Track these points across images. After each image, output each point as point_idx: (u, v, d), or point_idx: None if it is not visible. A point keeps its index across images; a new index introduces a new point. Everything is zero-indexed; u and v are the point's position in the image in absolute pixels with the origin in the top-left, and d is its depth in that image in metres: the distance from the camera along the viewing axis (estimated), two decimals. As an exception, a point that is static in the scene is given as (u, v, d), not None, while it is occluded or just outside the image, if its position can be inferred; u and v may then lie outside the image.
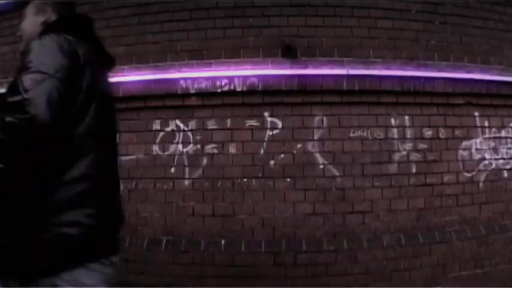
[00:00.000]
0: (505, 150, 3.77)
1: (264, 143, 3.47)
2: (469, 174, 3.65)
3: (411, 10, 3.67)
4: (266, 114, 3.48)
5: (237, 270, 3.35)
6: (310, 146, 3.47)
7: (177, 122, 3.56)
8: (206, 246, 3.41)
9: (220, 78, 3.44)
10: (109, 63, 1.59)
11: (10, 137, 1.11)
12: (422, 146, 3.56)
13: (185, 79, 3.48)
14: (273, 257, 3.35)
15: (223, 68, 3.51)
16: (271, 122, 3.48)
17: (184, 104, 3.53)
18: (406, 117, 3.57)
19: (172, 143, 3.55)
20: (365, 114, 3.52)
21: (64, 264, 1.21)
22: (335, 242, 3.39)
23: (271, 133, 3.47)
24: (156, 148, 3.58)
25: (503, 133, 3.79)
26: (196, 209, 3.48)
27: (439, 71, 3.61)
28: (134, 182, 3.59)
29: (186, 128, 3.55)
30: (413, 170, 3.53)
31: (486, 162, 3.71)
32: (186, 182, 3.51)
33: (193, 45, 3.59)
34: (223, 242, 3.41)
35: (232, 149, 3.47)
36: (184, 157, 3.52)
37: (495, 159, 3.74)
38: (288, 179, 3.44)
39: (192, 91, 3.47)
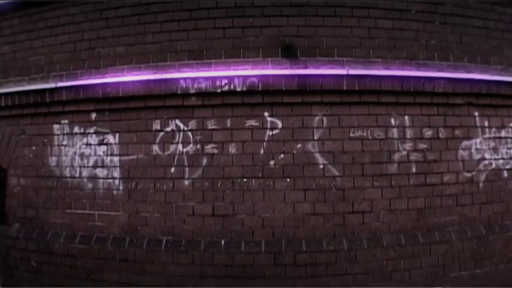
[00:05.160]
0: (505, 150, 3.77)
1: (264, 143, 3.47)
2: (469, 174, 3.65)
3: (411, 10, 3.67)
4: (266, 114, 3.48)
5: (237, 270, 3.35)
6: (310, 146, 3.47)
7: (177, 122, 3.56)
8: (206, 246, 3.41)
9: (220, 78, 3.44)
10: None
11: None
12: (422, 146, 3.56)
13: (185, 79, 3.48)
14: (273, 257, 3.35)
15: (223, 68, 3.51)
16: (271, 122, 3.48)
17: (184, 104, 3.53)
18: (406, 117, 3.57)
19: (172, 143, 3.55)
20: (365, 114, 3.52)
21: None
22: (335, 242, 3.39)
23: (271, 133, 3.47)
24: (156, 148, 3.58)
25: (503, 133, 3.79)
26: (196, 209, 3.48)
27: (439, 71, 3.61)
28: (134, 182, 3.59)
29: (186, 128, 3.55)
30: (413, 170, 3.53)
31: (486, 162, 3.71)
32: (186, 182, 3.51)
33: (193, 45, 3.59)
34: (223, 242, 3.41)
35: (232, 149, 3.47)
36: (184, 157, 3.53)
37: (495, 159, 3.73)
38: (288, 179, 3.44)
39: (192, 91, 3.47)
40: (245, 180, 3.45)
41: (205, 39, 3.58)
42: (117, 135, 3.67)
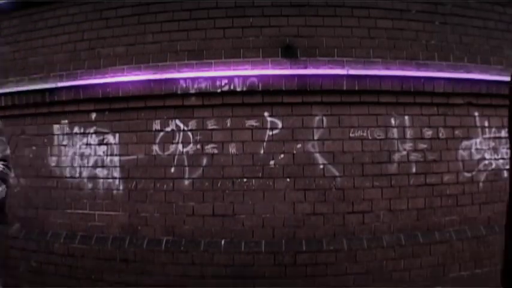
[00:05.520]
0: (505, 150, 3.77)
1: (264, 143, 3.47)
2: (469, 174, 3.65)
3: (411, 10, 3.67)
4: (266, 114, 3.48)
5: (237, 270, 3.35)
6: (310, 146, 3.47)
7: (177, 122, 3.56)
8: (206, 246, 3.41)
9: (220, 78, 3.44)
10: None
11: None
12: (422, 146, 3.56)
13: (185, 79, 3.48)
14: (273, 257, 3.35)
15: (223, 68, 3.51)
16: (271, 122, 3.48)
17: (184, 104, 3.53)
18: (406, 117, 3.57)
19: (172, 143, 3.55)
20: (365, 114, 3.52)
21: None
22: (335, 242, 3.39)
23: (271, 133, 3.47)
24: (156, 148, 3.57)
25: (503, 133, 3.78)
26: (196, 209, 3.48)
27: (439, 71, 3.61)
28: (134, 182, 3.59)
29: (186, 128, 3.54)
30: (413, 170, 3.53)
31: (486, 162, 3.70)
32: (186, 182, 3.51)
33: (193, 45, 3.59)
34: (223, 242, 3.41)
35: (232, 149, 3.47)
36: (184, 157, 3.52)
37: (495, 159, 3.73)
38: (288, 179, 3.44)
39: (192, 91, 3.47)
40: (245, 180, 3.45)
41: (205, 39, 3.58)
42: (117, 135, 3.66)
